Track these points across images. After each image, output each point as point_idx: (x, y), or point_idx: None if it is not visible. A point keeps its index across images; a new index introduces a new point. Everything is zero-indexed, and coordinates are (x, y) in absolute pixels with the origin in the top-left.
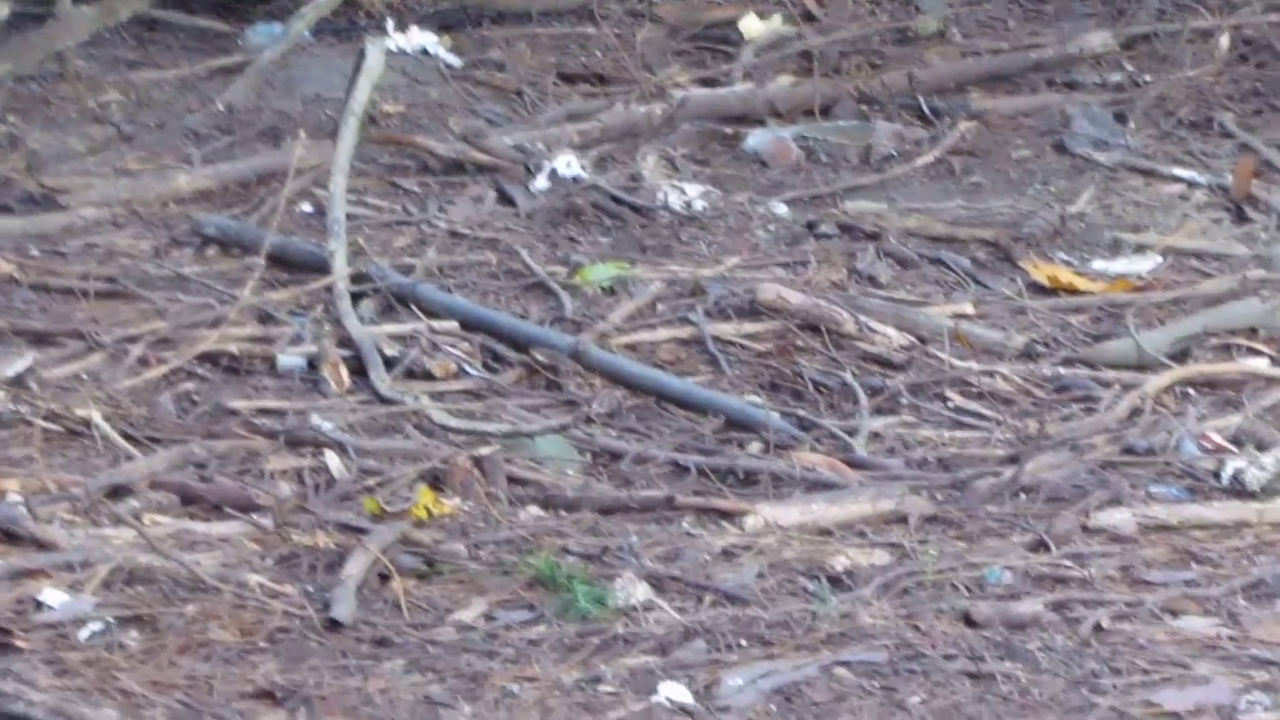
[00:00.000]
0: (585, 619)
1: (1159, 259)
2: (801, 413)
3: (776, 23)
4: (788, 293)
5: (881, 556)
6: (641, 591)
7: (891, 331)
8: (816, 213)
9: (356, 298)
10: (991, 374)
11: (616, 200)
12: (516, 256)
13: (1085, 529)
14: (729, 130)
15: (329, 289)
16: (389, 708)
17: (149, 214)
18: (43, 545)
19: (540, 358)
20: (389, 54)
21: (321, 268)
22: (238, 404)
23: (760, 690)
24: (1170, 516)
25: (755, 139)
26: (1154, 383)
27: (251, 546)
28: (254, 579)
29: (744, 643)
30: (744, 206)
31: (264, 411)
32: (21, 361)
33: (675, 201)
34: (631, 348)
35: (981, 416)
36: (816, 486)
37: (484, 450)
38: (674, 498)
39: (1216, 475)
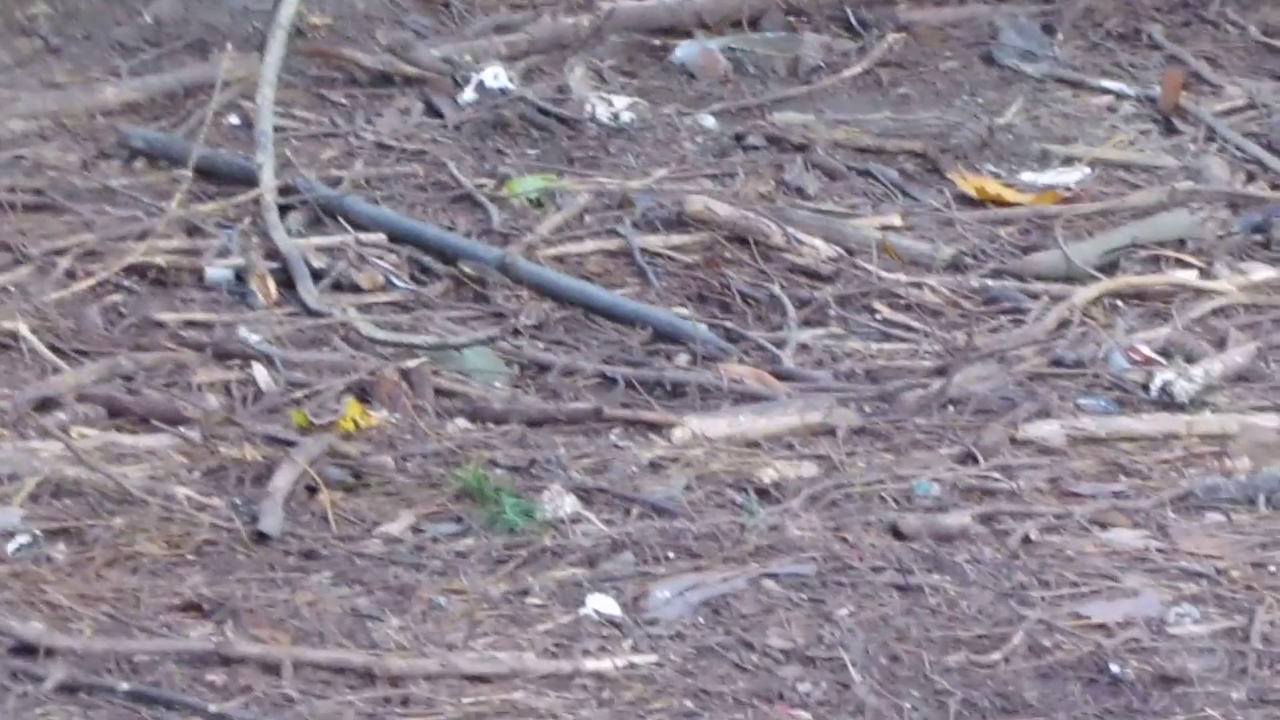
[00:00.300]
0: (513, 531)
1: (1087, 171)
2: (729, 325)
3: None
4: (715, 204)
5: (809, 469)
6: (569, 504)
7: (819, 243)
8: (744, 125)
9: (284, 210)
10: (919, 286)
11: (544, 112)
12: (444, 169)
13: (1013, 441)
14: (657, 42)
15: (256, 201)
16: (316, 620)
17: (76, 126)
18: None
19: (468, 270)
20: None
21: (249, 180)
22: (165, 316)
23: (688, 602)
24: (1099, 429)
25: (683, 51)
26: (1082, 295)
27: (179, 459)
28: (181, 491)
29: (672, 555)
30: (671, 118)
31: (191, 324)
32: None
33: (603, 113)
34: (559, 260)
35: (909, 328)
36: (744, 398)
37: (411, 363)
38: (601, 410)
39: (1145, 387)
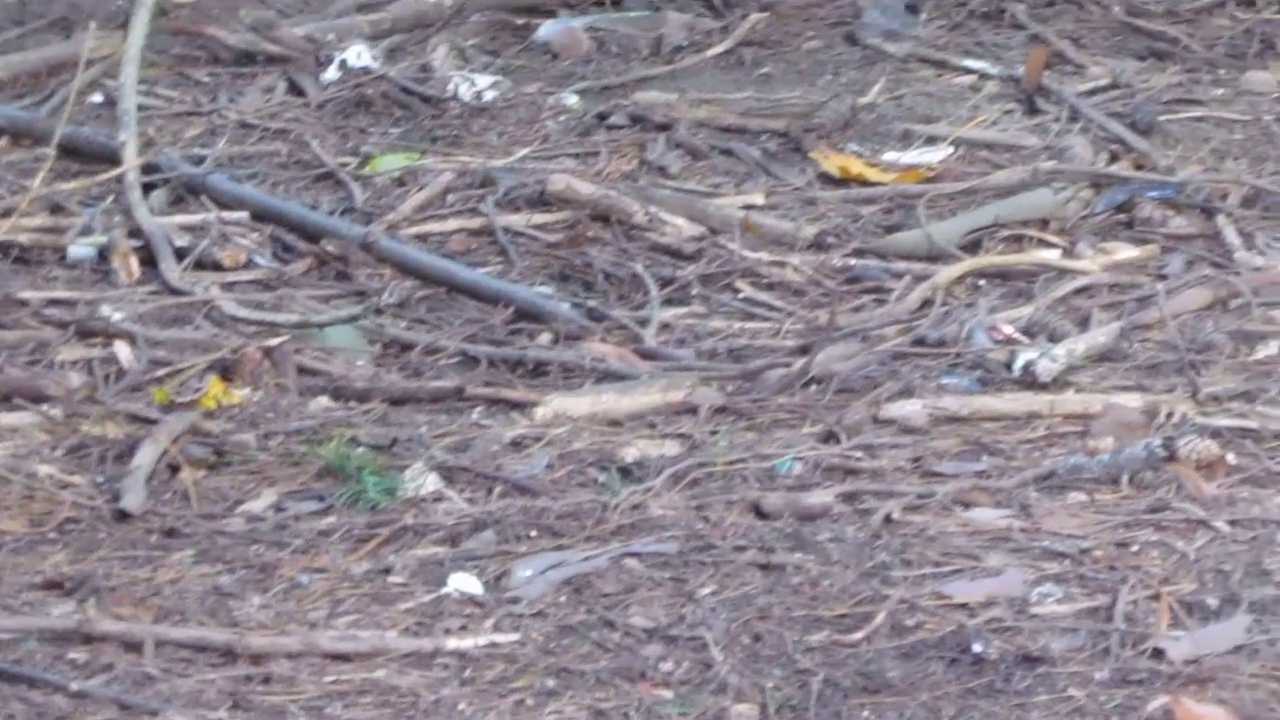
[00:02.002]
0: (375, 509)
1: (950, 150)
2: (592, 303)
3: None
4: (578, 183)
5: (672, 447)
6: (431, 482)
7: (682, 222)
8: (607, 103)
9: (147, 188)
10: (782, 264)
11: (407, 91)
12: (307, 147)
13: (876, 420)
14: (520, 21)
15: (120, 179)
16: (178, 598)
17: None
18: None
19: (330, 248)
20: None
21: (112, 158)
22: (28, 294)
23: (550, 580)
24: (961, 408)
25: (546, 29)
26: (945, 273)
27: (41, 437)
28: (43, 469)
29: (534, 533)
30: (534, 97)
31: (54, 302)
32: None
33: (466, 92)
34: (422, 238)
35: (772, 307)
36: (607, 377)
37: (274, 341)
38: (464, 388)
39: (1008, 366)
